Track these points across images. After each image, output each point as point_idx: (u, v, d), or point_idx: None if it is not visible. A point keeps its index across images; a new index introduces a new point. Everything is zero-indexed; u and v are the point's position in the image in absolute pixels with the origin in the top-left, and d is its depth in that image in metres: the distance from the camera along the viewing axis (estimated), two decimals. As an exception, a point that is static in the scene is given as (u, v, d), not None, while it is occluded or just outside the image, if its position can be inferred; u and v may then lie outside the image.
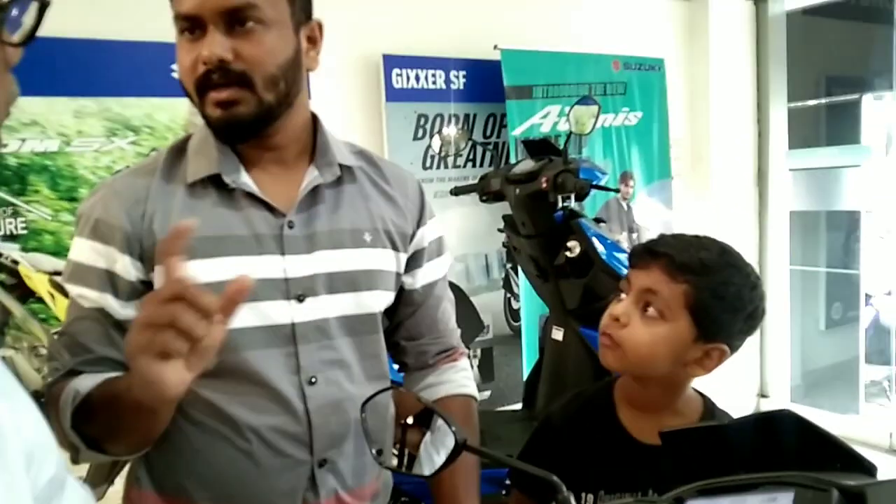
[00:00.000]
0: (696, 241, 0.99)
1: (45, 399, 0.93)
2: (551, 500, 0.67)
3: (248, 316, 0.92)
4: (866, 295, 3.86)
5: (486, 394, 3.09)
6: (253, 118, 0.92)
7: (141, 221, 0.93)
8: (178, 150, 0.99)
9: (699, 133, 3.68)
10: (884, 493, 0.47)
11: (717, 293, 0.95)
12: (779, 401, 3.85)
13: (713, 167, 3.65)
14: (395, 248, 1.06)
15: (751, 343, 3.91)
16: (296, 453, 0.96)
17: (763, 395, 3.91)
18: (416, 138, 2.86)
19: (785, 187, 3.81)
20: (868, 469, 0.53)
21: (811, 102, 4.30)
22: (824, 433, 0.55)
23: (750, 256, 4.03)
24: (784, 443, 0.57)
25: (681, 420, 1.03)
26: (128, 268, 0.92)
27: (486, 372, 3.10)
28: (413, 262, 1.09)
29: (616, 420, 1.04)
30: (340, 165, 1.01)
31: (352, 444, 1.00)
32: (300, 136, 1.00)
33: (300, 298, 0.96)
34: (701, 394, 1.09)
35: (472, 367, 3.24)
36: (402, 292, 1.09)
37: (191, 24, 0.88)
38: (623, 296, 1.00)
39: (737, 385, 3.78)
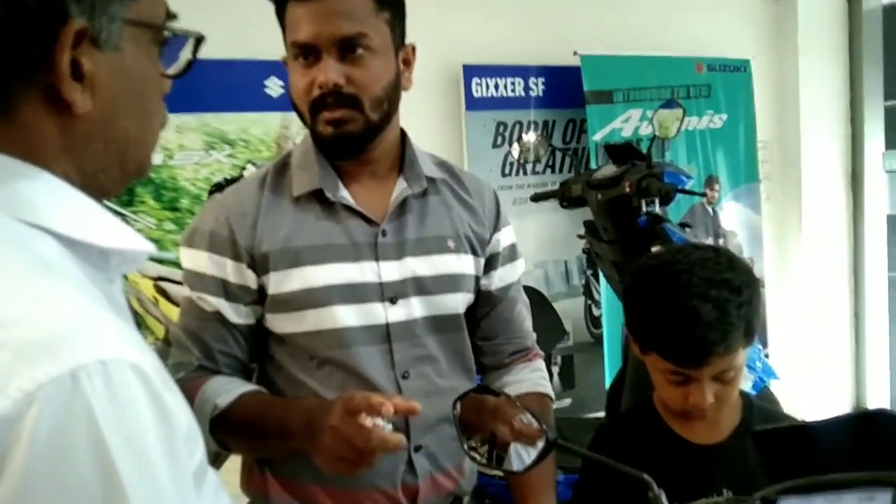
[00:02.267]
0: (706, 282, 0.95)
1: None
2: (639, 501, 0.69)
3: (350, 316, 1.03)
4: (975, 303, 3.63)
5: (567, 401, 3.07)
6: (360, 135, 1.01)
7: (252, 232, 1.03)
8: (282, 166, 1.09)
9: (788, 135, 3.55)
10: None
11: (757, 310, 0.98)
12: (878, 414, 3.66)
13: (803, 170, 3.52)
14: (474, 252, 1.14)
15: (846, 354, 3.75)
16: None
17: (860, 407, 3.72)
18: (495, 146, 2.89)
19: (881, 190, 3.62)
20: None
21: (911, 100, 4.08)
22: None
23: (843, 262, 3.84)
24: (881, 443, 0.56)
25: (727, 416, 1.03)
26: (240, 275, 1.03)
27: (566, 379, 3.08)
28: (489, 265, 1.17)
29: (667, 428, 1.05)
30: (426, 178, 1.10)
31: (443, 431, 1.07)
32: (392, 150, 1.09)
33: (393, 300, 1.05)
34: None
35: (552, 374, 3.23)
36: (478, 294, 1.17)
37: (306, 51, 0.98)
38: (675, 377, 0.99)
39: (832, 398, 3.62)
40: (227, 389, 1.01)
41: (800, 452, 0.60)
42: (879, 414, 0.56)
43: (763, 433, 0.64)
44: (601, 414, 2.68)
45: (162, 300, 2.22)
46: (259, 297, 1.05)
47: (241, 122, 2.43)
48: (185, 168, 2.37)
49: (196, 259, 1.05)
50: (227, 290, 1.03)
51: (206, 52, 2.39)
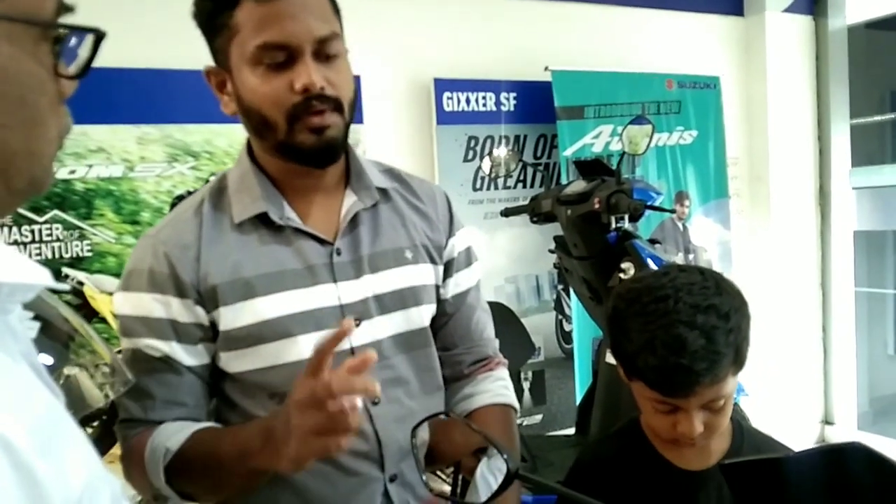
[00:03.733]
0: (692, 309, 0.91)
1: (123, 451, 0.97)
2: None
3: (310, 346, 0.93)
4: (939, 318, 3.68)
5: (538, 417, 3.04)
6: (342, 140, 0.96)
7: (195, 265, 0.94)
8: (218, 191, 1.01)
9: (757, 151, 3.59)
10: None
11: (746, 336, 0.95)
12: (845, 428, 3.69)
13: (772, 186, 3.55)
14: (432, 261, 1.09)
15: (814, 368, 3.75)
16: (368, 471, 0.98)
17: (828, 423, 3.75)
18: (466, 160, 2.87)
19: (848, 206, 3.67)
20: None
21: (875, 118, 4.16)
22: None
23: (812, 278, 3.87)
24: (853, 477, 0.54)
25: (717, 441, 1.00)
26: (189, 312, 0.95)
27: (537, 395, 3.05)
28: (445, 272, 1.12)
29: (654, 452, 1.02)
30: (376, 188, 1.04)
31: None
32: (341, 161, 1.03)
33: (356, 323, 0.98)
34: None
35: (523, 390, 3.16)
36: (437, 303, 1.11)
37: (279, 54, 0.89)
38: (661, 406, 0.95)
39: (800, 411, 3.65)
40: (176, 431, 0.93)
41: (769, 487, 0.58)
42: (851, 448, 0.54)
43: (732, 466, 0.61)
44: (571, 430, 2.66)
45: (121, 316, 2.15)
46: (212, 334, 0.96)
47: (205, 133, 2.37)
48: (147, 180, 2.30)
49: (137, 302, 0.94)
50: (176, 330, 0.94)
51: (172, 63, 2.32)
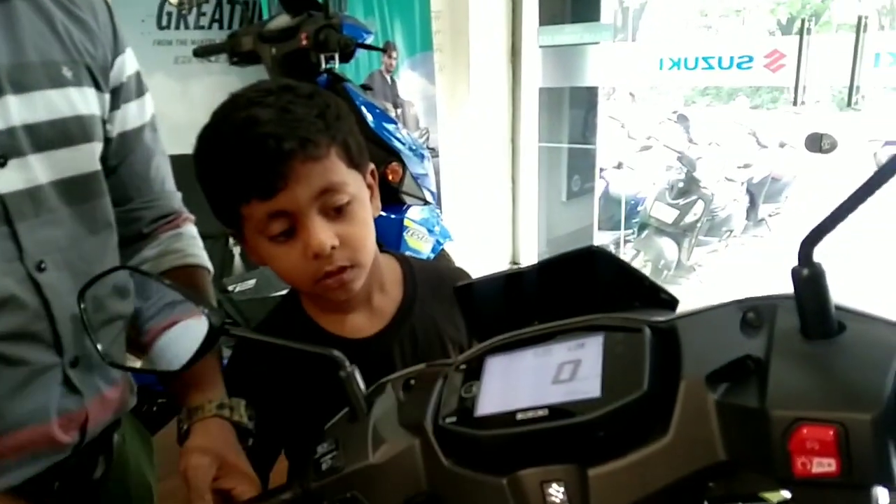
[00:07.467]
0: (263, 92, 0.78)
1: None
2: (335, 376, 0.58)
3: None
4: (600, 168, 4.25)
5: (251, 283, 2.89)
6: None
7: None
8: None
9: (458, 6, 3.63)
10: (694, 325, 0.44)
11: (345, 129, 0.81)
12: (528, 267, 4.18)
13: (472, 43, 3.65)
14: (97, 86, 0.84)
15: (504, 215, 4.10)
16: (39, 358, 0.77)
17: (515, 263, 4.21)
18: (148, -9, 2.45)
19: (535, 64, 3.95)
20: (670, 303, 0.50)
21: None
22: (628, 267, 0.51)
23: (503, 133, 4.14)
24: (587, 283, 0.52)
25: (384, 300, 0.91)
26: None
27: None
28: (112, 102, 0.88)
29: (315, 326, 0.89)
30: None
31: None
32: None
33: (2, 162, 0.73)
34: (393, 254, 0.96)
35: (233, 255, 2.94)
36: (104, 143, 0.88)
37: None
38: (275, 226, 0.78)
39: (492, 254, 4.02)
40: None
41: (505, 305, 0.54)
42: (587, 252, 0.51)
43: (463, 288, 0.57)
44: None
45: None
46: None
47: None
48: None
49: None
50: None
51: None
